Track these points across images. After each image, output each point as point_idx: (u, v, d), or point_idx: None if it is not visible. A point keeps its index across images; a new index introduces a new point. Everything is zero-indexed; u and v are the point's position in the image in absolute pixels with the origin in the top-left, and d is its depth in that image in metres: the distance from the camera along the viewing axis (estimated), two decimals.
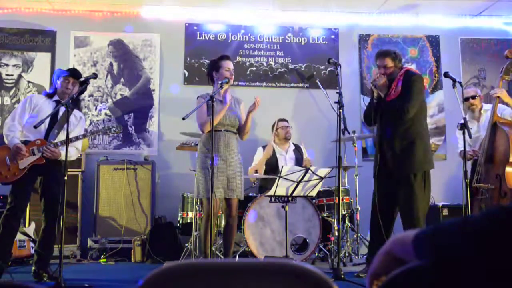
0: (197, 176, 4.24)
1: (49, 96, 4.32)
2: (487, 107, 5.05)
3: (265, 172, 5.51)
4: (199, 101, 4.33)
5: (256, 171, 5.56)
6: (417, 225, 3.89)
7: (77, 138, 4.17)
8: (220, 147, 4.17)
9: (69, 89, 4.22)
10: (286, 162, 5.62)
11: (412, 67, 6.32)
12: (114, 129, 4.44)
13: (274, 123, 5.84)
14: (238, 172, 4.23)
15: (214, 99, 3.93)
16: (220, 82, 4.15)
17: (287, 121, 5.88)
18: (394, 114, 4.04)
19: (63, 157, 4.09)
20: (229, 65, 4.27)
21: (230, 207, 4.23)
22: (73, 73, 4.32)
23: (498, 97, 4.62)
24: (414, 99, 3.98)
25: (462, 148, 5.03)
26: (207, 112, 4.10)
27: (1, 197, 5.31)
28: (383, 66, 4.13)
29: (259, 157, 5.67)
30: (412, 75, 4.10)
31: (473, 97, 5.06)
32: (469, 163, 4.85)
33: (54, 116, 4.17)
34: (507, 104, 4.83)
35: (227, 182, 4.14)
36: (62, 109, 4.19)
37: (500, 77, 4.68)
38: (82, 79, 4.23)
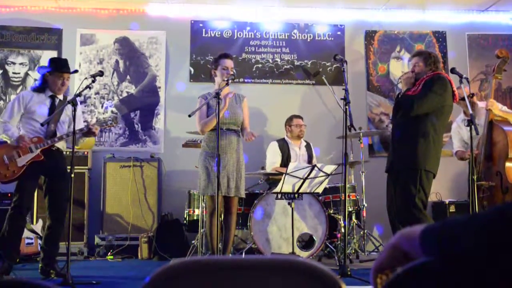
0: (200, 174, 4.28)
1: (38, 90, 4.26)
2: (482, 104, 5.08)
3: (281, 166, 5.48)
4: (200, 101, 4.35)
5: (262, 168, 5.56)
6: (403, 220, 3.87)
7: (67, 135, 4.16)
8: (222, 146, 4.18)
9: (66, 85, 4.26)
10: (298, 157, 5.59)
11: None
12: (110, 121, 4.38)
13: (288, 118, 5.78)
14: (239, 171, 4.25)
15: (219, 96, 3.96)
16: (226, 79, 4.17)
17: (302, 118, 5.79)
18: (404, 108, 4.04)
19: (60, 147, 4.18)
20: (226, 63, 4.28)
21: (229, 204, 4.28)
22: (62, 67, 4.27)
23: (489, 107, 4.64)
24: (426, 97, 3.92)
25: (458, 149, 5.09)
26: (208, 111, 4.20)
27: (9, 195, 5.33)
28: (413, 64, 4.25)
29: (275, 151, 5.62)
30: (435, 76, 4.04)
31: (472, 95, 5.04)
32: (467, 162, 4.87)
33: (50, 111, 4.18)
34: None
35: (227, 180, 4.18)
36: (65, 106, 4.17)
37: (492, 76, 4.71)
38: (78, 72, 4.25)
